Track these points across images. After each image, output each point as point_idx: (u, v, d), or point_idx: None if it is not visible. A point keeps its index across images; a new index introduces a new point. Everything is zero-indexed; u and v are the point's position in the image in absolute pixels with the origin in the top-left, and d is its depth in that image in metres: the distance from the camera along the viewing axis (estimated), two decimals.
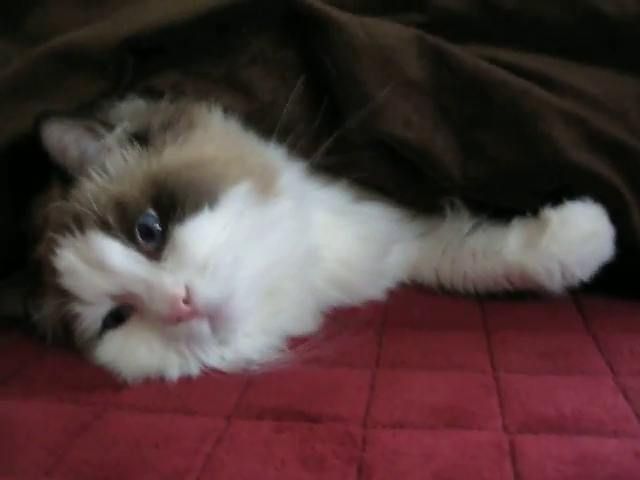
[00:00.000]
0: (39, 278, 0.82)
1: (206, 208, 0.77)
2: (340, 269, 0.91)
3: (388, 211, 0.98)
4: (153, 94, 0.89)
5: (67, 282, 0.77)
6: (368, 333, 0.84)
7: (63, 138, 0.79)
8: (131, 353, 0.79)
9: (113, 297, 0.77)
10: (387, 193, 0.97)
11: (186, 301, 0.73)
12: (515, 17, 0.93)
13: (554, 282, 0.89)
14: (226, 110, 0.89)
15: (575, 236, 0.87)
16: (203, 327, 0.76)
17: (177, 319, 0.74)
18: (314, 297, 0.88)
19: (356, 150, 0.90)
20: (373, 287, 0.96)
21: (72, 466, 0.63)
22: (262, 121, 0.89)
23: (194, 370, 0.78)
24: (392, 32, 0.89)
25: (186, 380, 0.78)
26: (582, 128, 0.87)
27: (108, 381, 0.78)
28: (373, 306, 0.95)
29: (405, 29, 0.91)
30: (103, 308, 0.78)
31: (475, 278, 0.95)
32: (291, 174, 0.87)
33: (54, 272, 0.78)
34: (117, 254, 0.75)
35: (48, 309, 0.81)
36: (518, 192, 0.91)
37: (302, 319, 0.86)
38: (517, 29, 0.94)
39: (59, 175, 0.81)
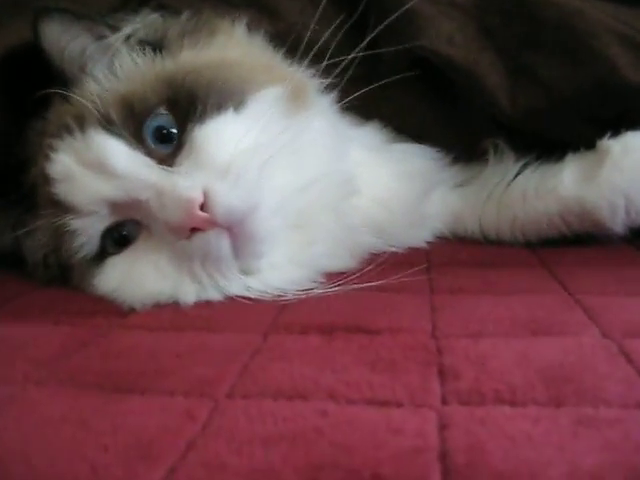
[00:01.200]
0: (32, 201, 0.70)
1: (231, 109, 0.67)
2: (377, 210, 0.80)
3: (426, 150, 0.87)
4: (168, 11, 0.80)
5: (62, 189, 0.66)
6: (413, 270, 0.71)
7: (63, 36, 0.70)
8: (138, 278, 0.66)
9: (114, 207, 0.66)
10: (422, 137, 0.88)
11: (203, 207, 0.62)
12: None
13: (616, 218, 0.78)
14: (249, 29, 0.80)
15: None
16: (222, 243, 0.63)
17: (192, 228, 0.62)
18: (350, 236, 0.76)
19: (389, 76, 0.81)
20: (411, 236, 0.85)
21: (71, 375, 0.51)
22: (287, 42, 0.79)
23: (214, 297, 0.66)
24: None
25: (207, 304, 0.65)
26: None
27: (112, 308, 0.65)
28: (415, 251, 0.83)
29: None
30: (102, 222, 0.67)
31: (525, 221, 0.84)
32: (321, 98, 0.77)
33: (48, 181, 0.67)
34: (120, 154, 0.65)
35: (40, 232, 0.69)
36: (572, 120, 0.83)
37: (339, 255, 0.74)
38: None
39: (59, 83, 0.70)
